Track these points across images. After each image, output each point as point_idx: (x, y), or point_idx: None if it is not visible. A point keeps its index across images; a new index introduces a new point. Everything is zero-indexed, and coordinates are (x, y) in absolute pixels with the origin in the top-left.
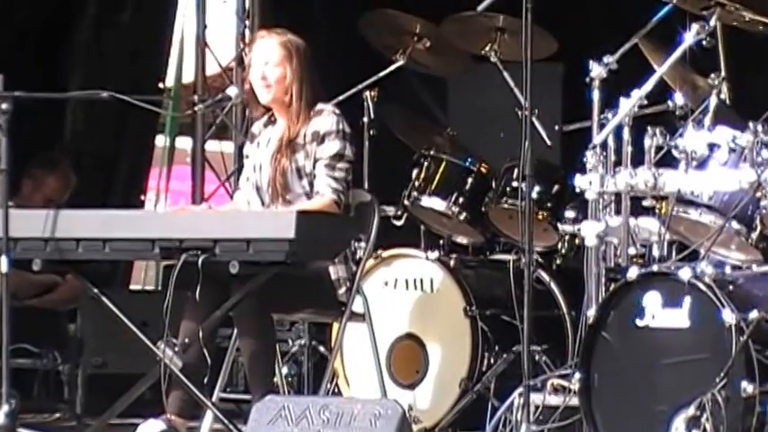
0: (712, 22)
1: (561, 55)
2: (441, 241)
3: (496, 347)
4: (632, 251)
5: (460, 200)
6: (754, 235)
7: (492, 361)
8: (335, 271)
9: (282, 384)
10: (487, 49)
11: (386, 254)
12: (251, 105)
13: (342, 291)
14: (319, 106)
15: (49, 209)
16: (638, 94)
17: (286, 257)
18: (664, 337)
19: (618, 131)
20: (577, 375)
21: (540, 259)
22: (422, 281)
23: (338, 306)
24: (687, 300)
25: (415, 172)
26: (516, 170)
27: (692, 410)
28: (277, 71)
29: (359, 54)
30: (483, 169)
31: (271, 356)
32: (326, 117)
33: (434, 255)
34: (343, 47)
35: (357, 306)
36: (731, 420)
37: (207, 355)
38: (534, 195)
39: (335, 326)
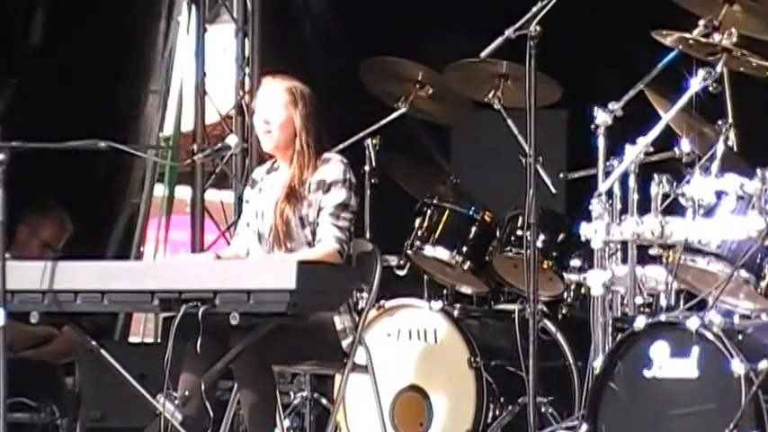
0: (719, 68)
1: (565, 101)
2: (444, 291)
3: (502, 399)
4: (639, 300)
5: (464, 249)
6: (763, 284)
7: (497, 413)
8: (341, 321)
9: None
10: (491, 95)
11: (388, 304)
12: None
13: (348, 341)
14: (327, 155)
15: (47, 254)
16: (643, 141)
17: (287, 308)
18: (672, 387)
19: (624, 179)
20: (584, 427)
21: (545, 309)
22: (425, 331)
23: (340, 357)
24: (695, 350)
25: (417, 221)
26: (520, 218)
27: None
28: (281, 115)
29: (360, 101)
30: (487, 218)
31: (271, 409)
32: (334, 166)
33: (438, 305)
34: (344, 94)
35: (359, 357)
36: None
37: (208, 407)
38: (539, 244)
39: (338, 378)
